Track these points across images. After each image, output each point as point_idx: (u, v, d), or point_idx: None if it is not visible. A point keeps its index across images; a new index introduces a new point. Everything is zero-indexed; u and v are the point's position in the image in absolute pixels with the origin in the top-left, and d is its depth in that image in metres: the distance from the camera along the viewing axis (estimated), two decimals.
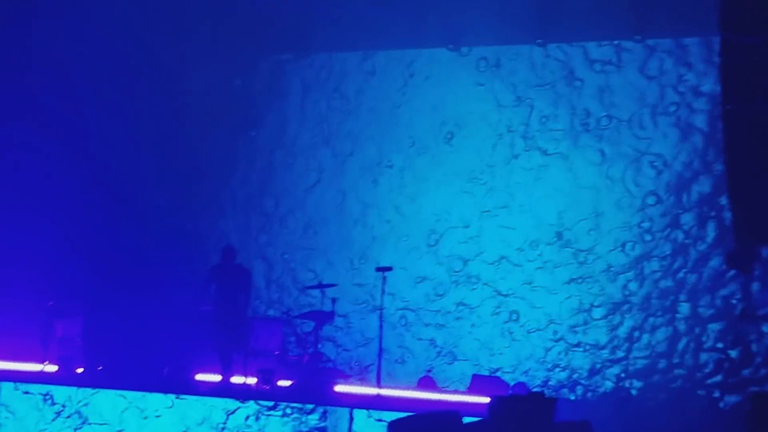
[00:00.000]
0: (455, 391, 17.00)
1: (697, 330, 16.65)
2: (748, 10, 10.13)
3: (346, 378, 17.02)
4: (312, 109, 20.07)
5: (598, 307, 17.31)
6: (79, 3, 17.50)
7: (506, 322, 17.91)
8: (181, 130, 19.31)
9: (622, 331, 17.20)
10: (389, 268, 16.18)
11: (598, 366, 17.25)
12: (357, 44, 19.35)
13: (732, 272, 15.89)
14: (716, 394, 16.24)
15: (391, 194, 19.13)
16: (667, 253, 16.97)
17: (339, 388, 15.64)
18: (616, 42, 17.85)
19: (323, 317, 16.30)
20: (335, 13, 17.84)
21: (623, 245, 17.14)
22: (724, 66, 10.42)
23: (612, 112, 17.62)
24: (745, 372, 15.89)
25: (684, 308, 16.66)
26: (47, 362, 16.16)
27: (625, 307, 17.11)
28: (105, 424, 14.83)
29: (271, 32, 19.01)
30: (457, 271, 18.41)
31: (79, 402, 14.87)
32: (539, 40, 18.39)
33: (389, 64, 19.55)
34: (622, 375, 17.02)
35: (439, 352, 18.38)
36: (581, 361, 17.38)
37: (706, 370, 16.36)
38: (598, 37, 18.12)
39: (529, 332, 17.76)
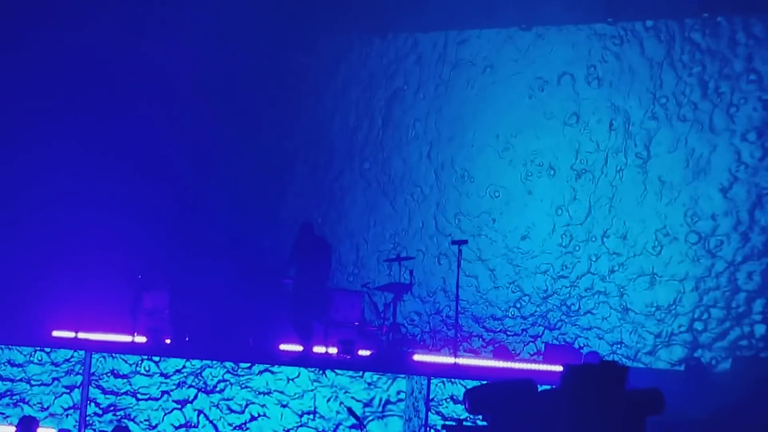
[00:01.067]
0: (530, 360, 17.38)
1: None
2: None
3: (424, 348, 17.42)
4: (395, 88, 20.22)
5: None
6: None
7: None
8: (267, 116, 19.90)
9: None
10: (465, 242, 16.27)
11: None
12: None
13: None
14: None
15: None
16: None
17: (417, 357, 15.83)
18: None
19: (401, 289, 16.49)
20: None
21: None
22: None
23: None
24: None
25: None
26: (136, 333, 16.49)
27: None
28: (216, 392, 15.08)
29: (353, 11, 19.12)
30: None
31: (192, 372, 15.14)
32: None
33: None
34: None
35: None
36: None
37: None
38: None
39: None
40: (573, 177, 18.62)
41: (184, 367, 15.19)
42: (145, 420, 15.13)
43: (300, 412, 14.74)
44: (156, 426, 15.05)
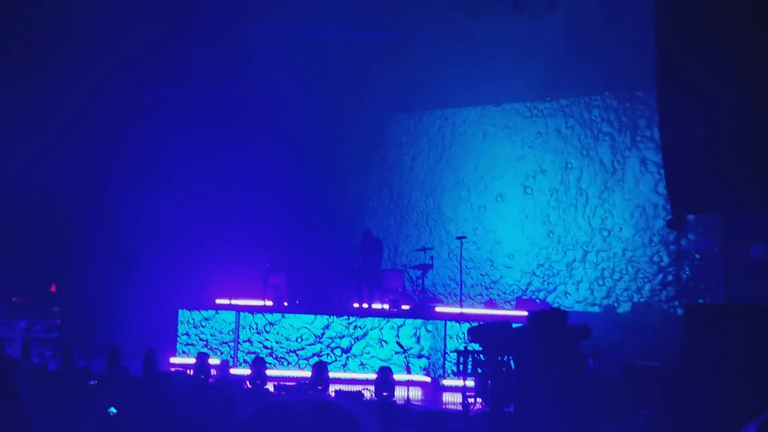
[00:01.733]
0: (508, 309, 17.92)
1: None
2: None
3: (441, 303, 17.73)
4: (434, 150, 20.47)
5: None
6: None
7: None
8: (346, 163, 20.30)
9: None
10: (464, 237, 17.28)
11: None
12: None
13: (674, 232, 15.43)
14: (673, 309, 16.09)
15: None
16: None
17: (438, 308, 16.44)
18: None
19: (426, 268, 17.27)
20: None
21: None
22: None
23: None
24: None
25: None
26: (266, 299, 17.13)
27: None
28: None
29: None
30: None
31: (305, 325, 16.00)
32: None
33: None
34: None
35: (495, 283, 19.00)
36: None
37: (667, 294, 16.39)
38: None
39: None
40: (533, 198, 18.73)
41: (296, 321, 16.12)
42: (281, 355, 15.97)
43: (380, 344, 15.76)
44: (283, 357, 15.90)
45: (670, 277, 16.51)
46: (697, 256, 15.22)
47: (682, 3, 10.11)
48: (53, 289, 18.20)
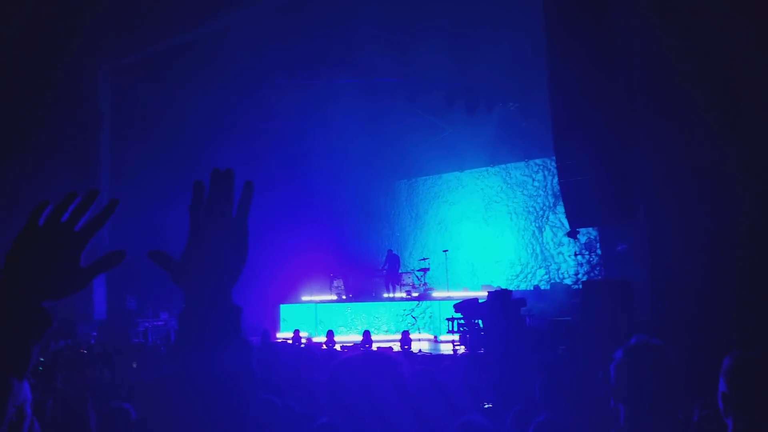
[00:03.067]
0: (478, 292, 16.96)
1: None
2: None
3: (435, 291, 16.53)
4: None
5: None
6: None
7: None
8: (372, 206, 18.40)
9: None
10: (446, 250, 16.40)
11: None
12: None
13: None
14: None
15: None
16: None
17: (434, 294, 16.01)
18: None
19: (425, 270, 16.51)
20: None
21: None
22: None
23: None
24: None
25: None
26: (332, 294, 16.57)
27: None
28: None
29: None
30: None
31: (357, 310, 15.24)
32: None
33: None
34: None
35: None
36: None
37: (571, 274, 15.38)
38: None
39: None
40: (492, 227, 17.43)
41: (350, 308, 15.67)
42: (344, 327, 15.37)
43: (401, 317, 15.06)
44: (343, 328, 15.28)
45: (573, 266, 15.51)
46: (586, 252, 14.43)
47: (568, 89, 9.56)
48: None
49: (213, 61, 13.22)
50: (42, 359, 6.98)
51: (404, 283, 16.65)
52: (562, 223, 15.47)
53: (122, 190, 13.56)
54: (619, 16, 8.81)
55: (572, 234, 11.69)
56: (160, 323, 13.93)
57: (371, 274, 16.78)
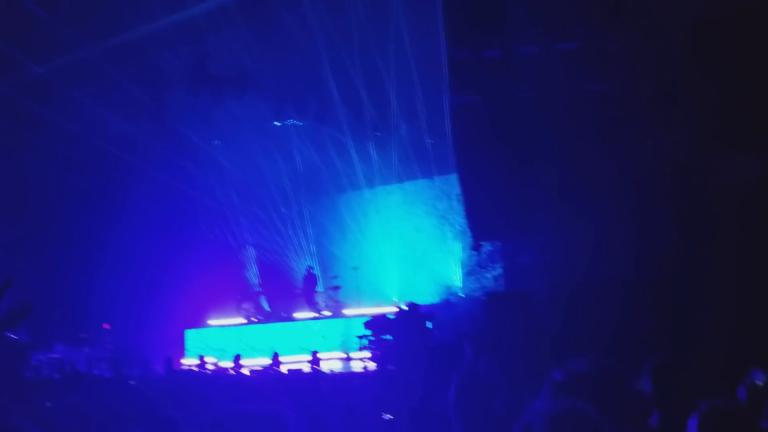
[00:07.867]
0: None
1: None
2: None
3: (346, 308, 15.78)
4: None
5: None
6: None
7: None
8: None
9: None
10: (357, 267, 15.73)
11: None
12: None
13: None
14: None
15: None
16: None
17: (345, 311, 15.08)
18: None
19: (337, 288, 15.64)
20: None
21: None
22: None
23: None
24: None
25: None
26: (242, 318, 15.84)
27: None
28: None
29: None
30: None
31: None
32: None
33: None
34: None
35: None
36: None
37: None
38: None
39: None
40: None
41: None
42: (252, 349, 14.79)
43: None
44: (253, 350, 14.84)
45: (478, 278, 15.10)
46: (490, 265, 14.25)
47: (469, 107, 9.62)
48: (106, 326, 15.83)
49: None
50: None
51: (315, 302, 16.16)
52: (469, 237, 15.19)
53: None
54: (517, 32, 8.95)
55: (476, 247, 11.91)
56: (55, 356, 13.61)
57: (286, 294, 16.30)
